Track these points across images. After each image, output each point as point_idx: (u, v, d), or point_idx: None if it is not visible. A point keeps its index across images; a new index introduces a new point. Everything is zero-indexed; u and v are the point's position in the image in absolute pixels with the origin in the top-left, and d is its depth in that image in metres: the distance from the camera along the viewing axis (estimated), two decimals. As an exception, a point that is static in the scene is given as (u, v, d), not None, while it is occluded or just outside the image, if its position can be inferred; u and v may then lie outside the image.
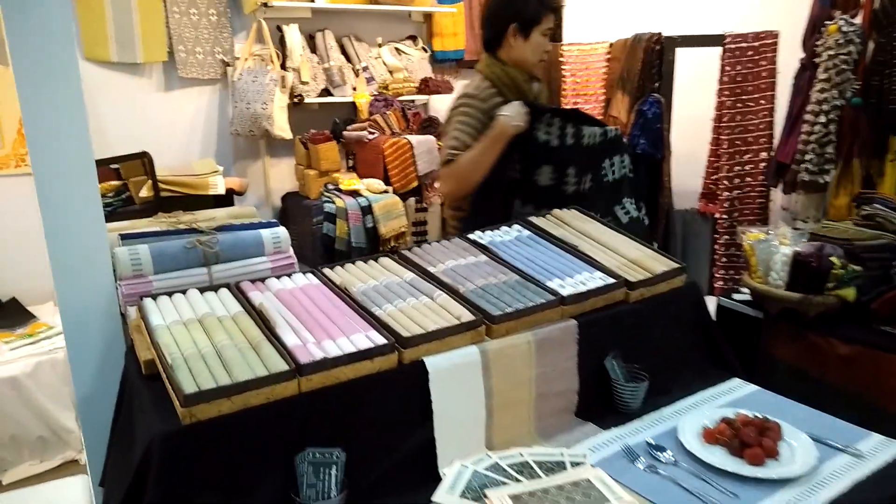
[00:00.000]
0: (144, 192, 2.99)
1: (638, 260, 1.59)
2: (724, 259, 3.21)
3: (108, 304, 1.37)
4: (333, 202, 3.07)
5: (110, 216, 2.86)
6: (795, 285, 1.91)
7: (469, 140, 1.93)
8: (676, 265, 1.59)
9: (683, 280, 1.59)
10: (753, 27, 3.04)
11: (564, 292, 1.42)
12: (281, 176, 3.68)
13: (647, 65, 3.09)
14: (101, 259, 1.36)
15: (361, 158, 3.36)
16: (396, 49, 3.88)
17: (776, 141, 3.06)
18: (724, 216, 3.17)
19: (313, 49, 3.59)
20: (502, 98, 1.95)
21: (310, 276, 1.45)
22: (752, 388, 1.56)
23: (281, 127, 3.29)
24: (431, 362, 1.21)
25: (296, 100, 3.38)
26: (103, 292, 1.36)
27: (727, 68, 3.07)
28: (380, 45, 3.82)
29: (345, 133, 3.35)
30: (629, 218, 2.10)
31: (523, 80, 1.98)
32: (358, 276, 1.46)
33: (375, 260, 1.56)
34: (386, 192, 3.24)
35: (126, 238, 1.47)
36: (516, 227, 1.75)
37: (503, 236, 1.70)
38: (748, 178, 3.13)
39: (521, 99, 1.92)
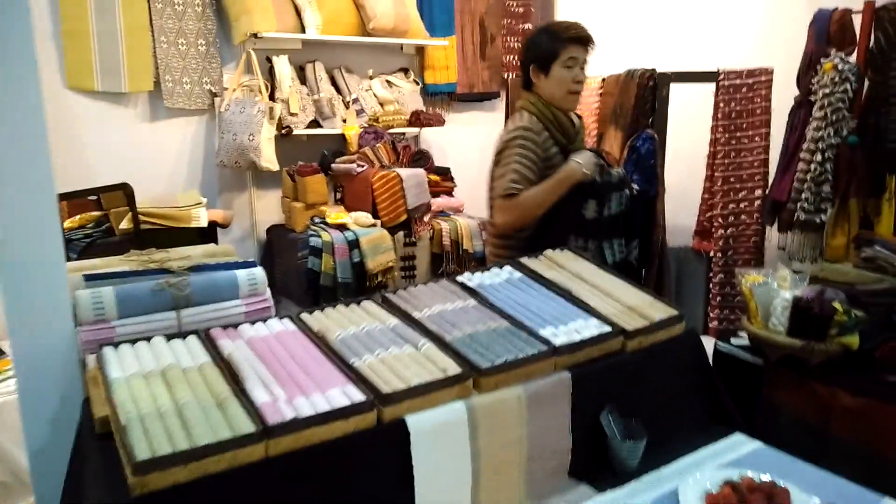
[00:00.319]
0: (125, 224, 2.90)
1: (635, 306, 1.51)
2: (718, 298, 3.13)
3: (66, 352, 1.27)
4: (319, 236, 2.99)
5: (89, 247, 2.84)
6: (797, 331, 1.83)
7: (529, 174, 1.96)
8: (675, 312, 1.51)
9: (682, 328, 1.51)
10: (748, 63, 3.02)
11: (557, 341, 1.33)
12: (268, 208, 3.60)
13: (641, 100, 3.05)
14: (60, 302, 1.26)
15: (349, 191, 3.29)
16: (388, 81, 3.84)
17: (771, 178, 3.02)
18: (719, 254, 3.11)
19: (303, 80, 3.54)
20: (549, 133, 2.01)
21: (286, 321, 1.36)
22: (756, 444, 1.47)
23: (268, 158, 3.22)
24: (413, 421, 1.11)
25: (284, 131, 3.31)
26: (61, 338, 1.26)
27: (721, 105, 3.04)
28: (370, 78, 3.78)
29: (333, 165, 3.29)
30: (613, 260, 2.09)
31: (561, 115, 2.02)
32: (338, 321, 1.37)
33: (357, 304, 1.47)
34: (374, 225, 3.17)
35: (90, 279, 1.37)
36: (507, 268, 1.67)
37: (493, 279, 1.62)
38: (743, 216, 3.08)
39: (564, 133, 2.02)
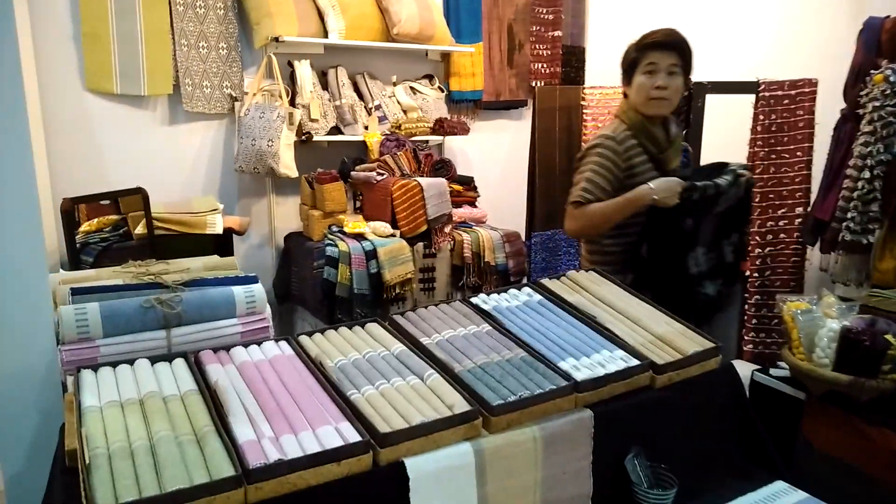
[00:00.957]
0: (140, 230, 2.84)
1: (665, 336, 1.37)
2: (754, 321, 2.96)
3: (46, 372, 1.18)
4: (336, 245, 2.89)
5: (105, 252, 2.78)
6: (844, 365, 1.68)
7: (603, 182, 1.94)
8: (710, 344, 1.37)
9: (718, 362, 1.37)
10: (790, 74, 2.85)
11: (579, 376, 1.21)
12: (287, 215, 3.52)
13: (675, 111, 2.90)
14: (42, 319, 1.18)
15: (368, 200, 3.19)
16: (412, 88, 3.75)
17: (813, 196, 2.84)
18: (756, 274, 2.93)
19: (325, 86, 3.46)
20: (636, 141, 1.99)
21: (283, 344, 1.26)
22: (801, 495, 1.32)
23: (286, 165, 3.14)
24: (414, 465, 0.99)
25: (304, 137, 3.23)
26: (42, 357, 1.18)
27: (761, 117, 2.88)
28: (394, 84, 3.69)
29: (352, 173, 3.19)
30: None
31: (651, 123, 2.00)
32: (339, 345, 1.26)
33: (362, 325, 1.36)
34: (393, 235, 3.06)
35: (77, 293, 1.29)
36: (526, 290, 1.55)
37: (510, 301, 1.50)
38: (782, 235, 2.90)
39: (654, 143, 1.99)
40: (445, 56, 3.90)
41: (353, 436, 0.99)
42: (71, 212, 2.42)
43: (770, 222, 2.91)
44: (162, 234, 2.81)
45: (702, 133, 2.87)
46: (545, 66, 4.25)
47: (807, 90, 2.82)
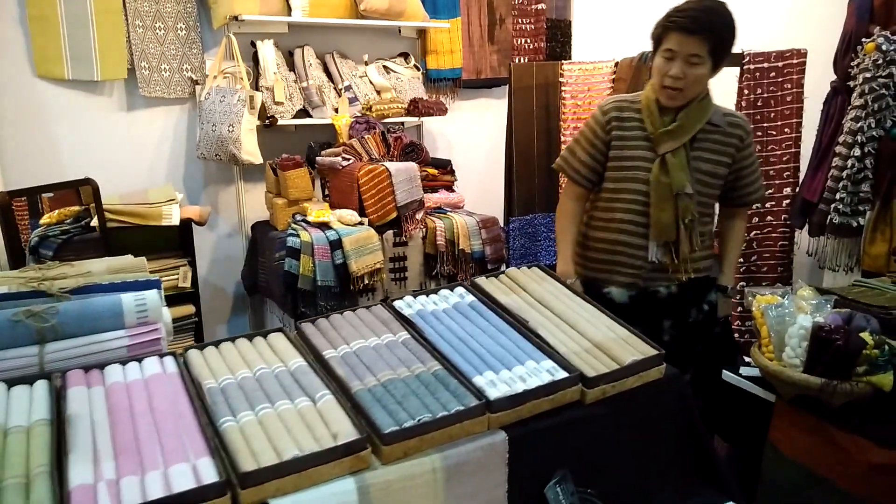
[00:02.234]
0: (95, 222, 2.72)
1: (603, 344, 1.23)
2: (739, 308, 2.80)
3: None
4: (298, 235, 2.76)
5: (65, 244, 2.67)
6: (815, 366, 1.53)
7: (580, 152, 1.94)
8: (653, 352, 1.22)
9: (662, 371, 1.23)
10: (777, 45, 2.66)
11: (494, 393, 1.07)
12: (256, 203, 3.39)
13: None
14: None
15: (335, 187, 3.05)
16: (385, 67, 3.58)
17: (802, 175, 2.67)
18: (741, 260, 2.77)
19: (292, 67, 3.30)
20: (640, 115, 1.87)
21: (167, 361, 1.13)
22: (751, 521, 1.18)
23: (249, 151, 3.00)
24: (281, 507, 0.87)
25: (267, 121, 3.09)
26: None
27: (746, 91, 2.69)
28: (366, 63, 3.52)
29: (318, 159, 3.05)
30: None
31: (656, 107, 1.84)
32: (230, 362, 1.13)
33: (264, 336, 1.23)
34: (360, 224, 2.92)
35: (-55, 305, 1.17)
36: (459, 290, 1.41)
37: (439, 303, 1.36)
38: (769, 217, 2.73)
39: (651, 119, 1.84)
40: (421, 33, 3.71)
41: (210, 475, 0.86)
42: (7, 206, 2.30)
43: (756, 204, 2.73)
44: (115, 227, 2.70)
45: (683, 110, 2.69)
46: (528, 41, 4.05)
47: (795, 61, 2.63)
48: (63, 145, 2.97)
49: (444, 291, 1.40)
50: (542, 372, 1.14)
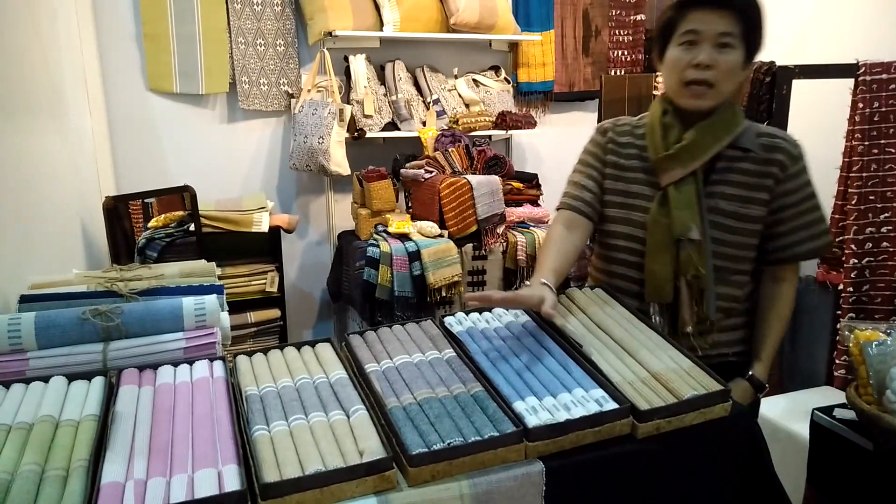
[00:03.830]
0: (193, 227, 2.89)
1: (662, 374, 1.14)
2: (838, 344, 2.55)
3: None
4: (378, 246, 2.80)
5: (169, 247, 2.85)
6: (921, 415, 1.35)
7: (581, 179, 1.54)
8: (718, 387, 1.12)
9: (727, 409, 1.12)
10: (894, 55, 2.42)
11: (533, 420, 1.01)
12: (345, 213, 3.48)
13: (755, 99, 2.54)
14: (-21, 327, 1.15)
15: (417, 198, 3.07)
16: (474, 81, 3.58)
17: (925, 198, 2.40)
18: (850, 288, 2.52)
19: (383, 80, 3.37)
20: (633, 137, 1.50)
21: (216, 365, 1.16)
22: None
23: (337, 162, 3.09)
24: (299, 523, 0.86)
25: (356, 134, 3.17)
26: (-25, 368, 1.14)
27: (861, 105, 2.45)
28: (455, 77, 3.54)
29: (402, 171, 3.09)
30: None
31: (667, 119, 1.42)
32: (277, 369, 1.15)
33: (312, 346, 1.23)
34: (441, 236, 2.92)
35: (27, 301, 1.26)
36: (514, 310, 1.36)
37: (491, 322, 1.32)
38: (884, 243, 2.47)
39: (652, 140, 1.44)
40: (513, 46, 3.70)
41: (234, 483, 0.86)
42: (114, 209, 2.48)
43: (870, 228, 2.48)
44: (210, 232, 2.84)
45: (787, 124, 2.50)
46: (626, 52, 3.93)
47: (919, 72, 2.37)
48: (169, 154, 3.18)
49: (499, 310, 1.36)
50: (589, 401, 1.07)
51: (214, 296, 1.30)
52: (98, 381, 1.08)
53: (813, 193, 1.46)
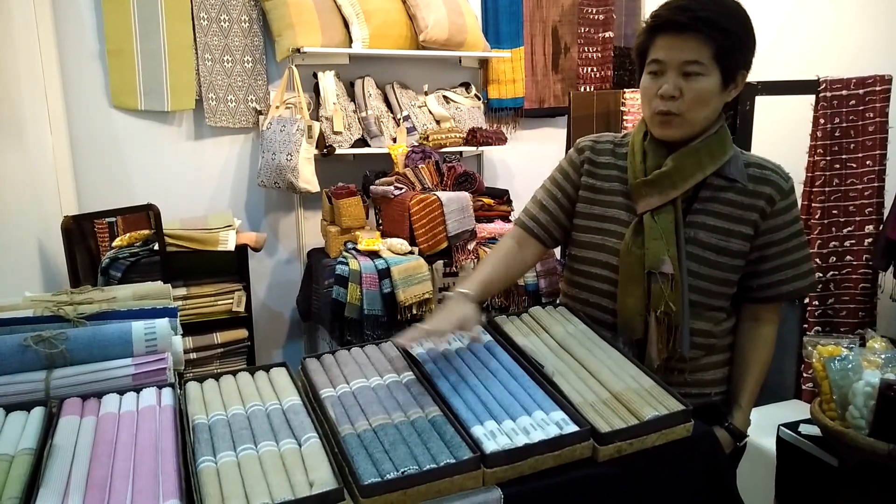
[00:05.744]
0: (158, 247, 2.83)
1: (623, 395, 1.12)
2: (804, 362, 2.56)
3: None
4: (347, 264, 2.76)
5: (133, 267, 2.79)
6: (883, 429, 1.35)
7: (545, 199, 1.48)
8: (680, 406, 1.10)
9: (689, 429, 1.10)
10: (855, 71, 2.46)
11: (491, 446, 0.99)
12: (315, 230, 3.44)
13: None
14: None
15: (387, 216, 3.05)
16: (445, 97, 3.58)
17: (886, 212, 2.43)
18: (816, 302, 2.55)
19: (353, 97, 3.35)
20: (612, 157, 1.42)
21: (165, 393, 1.11)
22: None
23: (306, 179, 3.05)
24: (242, 560, 0.82)
25: (325, 151, 3.14)
26: None
27: (822, 121, 2.49)
28: (426, 94, 3.53)
29: (371, 188, 3.06)
30: None
31: (648, 143, 1.35)
32: (227, 395, 1.11)
33: (267, 371, 1.20)
34: (411, 253, 2.90)
35: (-33, 328, 1.21)
36: (477, 330, 1.33)
37: (452, 343, 1.29)
38: (848, 257, 2.50)
39: (632, 162, 1.36)
40: (483, 63, 3.71)
41: (174, 520, 0.82)
42: (74, 229, 2.42)
43: (833, 242, 2.51)
44: (175, 251, 2.79)
45: (751, 143, 2.53)
46: (595, 69, 3.97)
47: (878, 89, 2.41)
48: (134, 172, 3.12)
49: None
50: (549, 424, 1.05)
51: (166, 319, 1.26)
52: (37, 412, 1.04)
53: (801, 231, 1.38)
